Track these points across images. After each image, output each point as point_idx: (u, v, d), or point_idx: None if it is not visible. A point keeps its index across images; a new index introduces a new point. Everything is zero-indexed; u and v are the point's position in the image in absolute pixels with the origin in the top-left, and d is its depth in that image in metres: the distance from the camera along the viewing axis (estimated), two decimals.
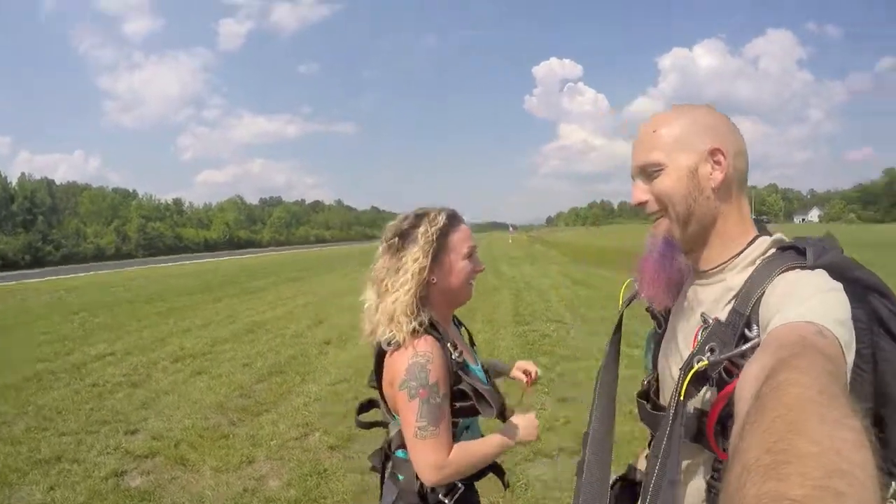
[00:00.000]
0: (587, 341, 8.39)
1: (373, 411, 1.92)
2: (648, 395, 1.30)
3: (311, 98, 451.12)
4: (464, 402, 1.61)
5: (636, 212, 1.18)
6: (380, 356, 1.64)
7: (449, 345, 1.64)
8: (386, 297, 1.61)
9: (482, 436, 1.76)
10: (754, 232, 1.15)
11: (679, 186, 1.11)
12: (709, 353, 1.00)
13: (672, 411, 1.01)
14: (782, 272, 1.01)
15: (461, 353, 1.68)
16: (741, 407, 0.72)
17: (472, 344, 1.92)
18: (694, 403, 1.05)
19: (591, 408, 1.36)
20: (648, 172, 1.15)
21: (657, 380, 1.31)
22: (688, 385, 1.00)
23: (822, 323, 0.82)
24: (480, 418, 1.72)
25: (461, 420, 1.65)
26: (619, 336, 1.43)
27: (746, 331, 0.99)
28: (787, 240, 1.10)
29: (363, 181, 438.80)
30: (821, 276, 0.98)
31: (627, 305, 1.41)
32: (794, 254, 1.04)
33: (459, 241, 1.68)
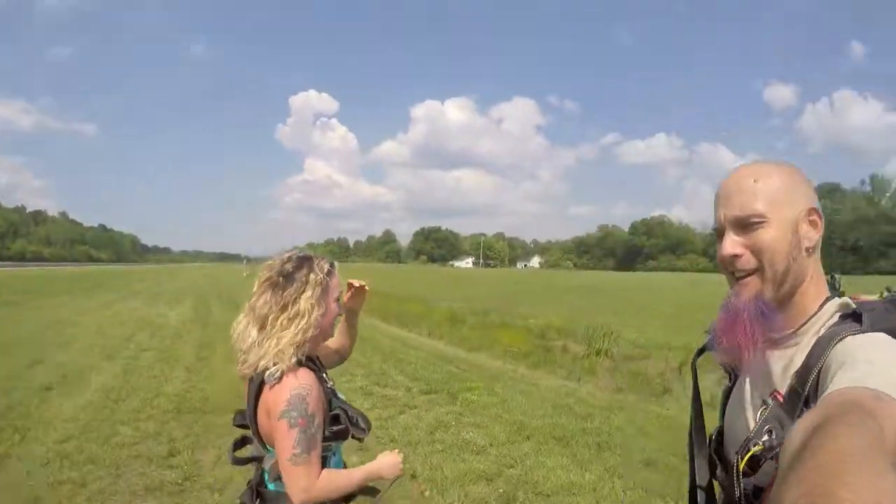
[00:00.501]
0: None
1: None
2: (719, 451, 1.29)
3: (56, 89, 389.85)
4: (338, 426, 1.77)
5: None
6: (258, 389, 1.70)
7: (325, 374, 1.87)
8: (274, 333, 1.70)
9: (344, 464, 1.94)
10: (826, 293, 1.14)
11: (783, 242, 1.09)
12: (766, 436, 1.00)
13: (737, 493, 1.03)
14: (838, 342, 0.99)
15: (333, 383, 1.90)
16: (784, 460, 0.71)
17: None
18: (754, 480, 1.03)
19: (691, 464, 1.34)
20: (747, 224, 1.10)
21: (722, 433, 1.30)
22: (745, 466, 1.01)
23: (877, 387, 0.81)
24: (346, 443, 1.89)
25: (333, 444, 1.80)
26: (699, 391, 1.41)
27: (805, 409, 0.97)
28: (852, 305, 1.08)
29: (95, 194, 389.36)
30: (876, 340, 0.96)
31: (698, 357, 1.38)
32: (852, 322, 1.03)
33: (335, 286, 1.85)
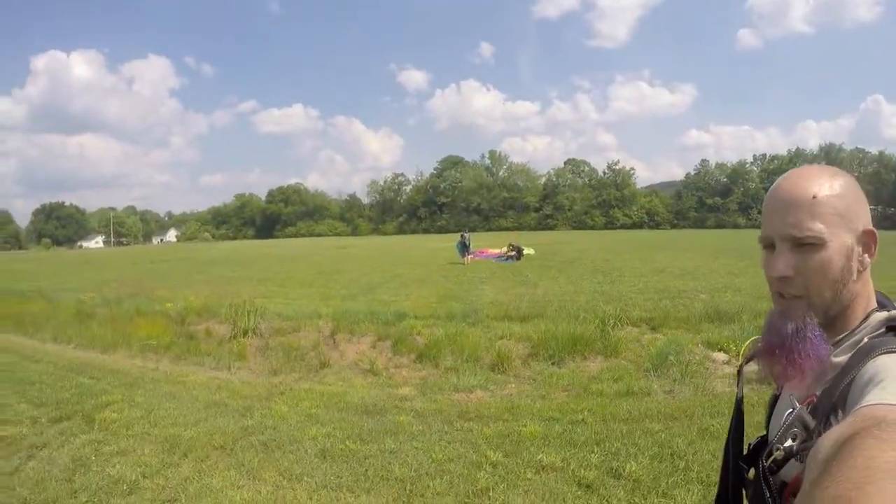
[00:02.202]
0: None
1: None
2: (754, 458, 1.22)
3: None
4: None
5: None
6: None
7: None
8: None
9: None
10: (873, 304, 1.09)
11: (835, 268, 1.03)
12: (789, 441, 0.99)
13: (766, 494, 1.01)
14: (877, 356, 0.95)
15: None
16: (814, 467, 0.72)
17: None
18: (780, 477, 1.01)
19: (724, 472, 1.30)
20: (803, 244, 1.03)
21: (765, 441, 1.24)
22: (770, 465, 1.01)
23: None
24: None
25: None
26: (742, 398, 1.32)
27: (832, 417, 0.95)
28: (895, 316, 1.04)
29: None
30: None
31: (745, 364, 1.31)
32: (894, 336, 1.00)
33: None
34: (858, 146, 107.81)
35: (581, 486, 4.45)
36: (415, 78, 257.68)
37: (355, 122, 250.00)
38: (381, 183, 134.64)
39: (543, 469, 4.75)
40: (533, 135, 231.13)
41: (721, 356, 7.95)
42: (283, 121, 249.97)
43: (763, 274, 1.14)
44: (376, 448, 5.31)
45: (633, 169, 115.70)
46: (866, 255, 1.06)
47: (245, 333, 10.48)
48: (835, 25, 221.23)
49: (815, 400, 1.03)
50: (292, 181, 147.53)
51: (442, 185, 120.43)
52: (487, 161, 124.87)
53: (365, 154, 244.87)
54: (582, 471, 4.66)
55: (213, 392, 7.44)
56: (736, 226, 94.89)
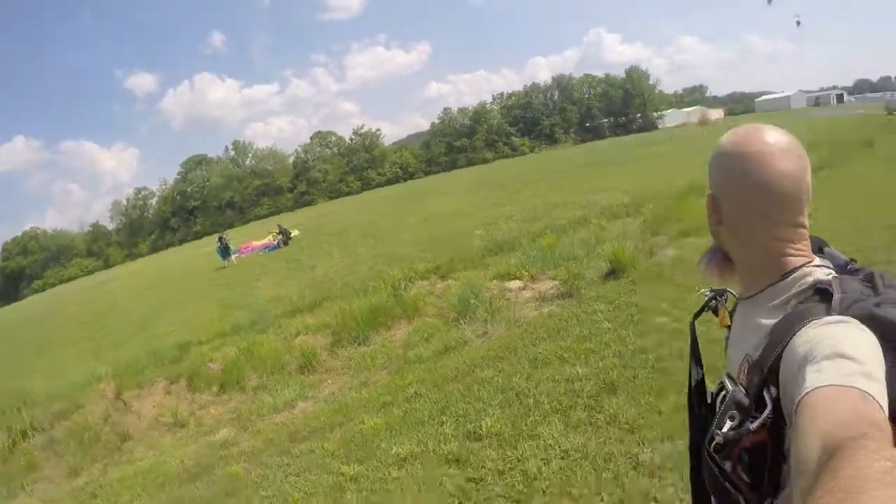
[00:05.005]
0: None
1: None
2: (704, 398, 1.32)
3: None
4: None
5: None
6: None
7: None
8: None
9: None
10: (796, 262, 1.12)
11: (706, 210, 1.21)
12: (728, 423, 0.98)
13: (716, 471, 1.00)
14: (805, 327, 0.96)
15: None
16: (800, 478, 0.74)
17: None
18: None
19: (691, 421, 1.36)
20: None
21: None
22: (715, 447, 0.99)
23: (852, 383, 0.80)
24: None
25: None
26: (698, 350, 1.39)
27: (765, 392, 0.98)
28: (824, 280, 1.07)
29: None
30: (844, 327, 0.93)
31: (696, 317, 1.43)
32: (821, 301, 1.02)
33: None
34: (587, 73, 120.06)
35: (449, 462, 4.27)
36: (144, 81, 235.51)
37: (85, 144, 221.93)
38: (124, 202, 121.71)
39: (404, 462, 4.50)
40: (274, 116, 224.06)
41: (516, 283, 8.30)
42: (4, 158, 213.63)
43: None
44: None
45: (378, 130, 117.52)
46: (710, 212, 1.20)
47: (24, 436, 8.59)
48: None
49: (751, 361, 1.07)
50: (27, 227, 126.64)
51: (189, 189, 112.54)
52: (232, 152, 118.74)
53: (102, 175, 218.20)
54: (442, 447, 4.49)
55: None
56: (485, 160, 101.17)
